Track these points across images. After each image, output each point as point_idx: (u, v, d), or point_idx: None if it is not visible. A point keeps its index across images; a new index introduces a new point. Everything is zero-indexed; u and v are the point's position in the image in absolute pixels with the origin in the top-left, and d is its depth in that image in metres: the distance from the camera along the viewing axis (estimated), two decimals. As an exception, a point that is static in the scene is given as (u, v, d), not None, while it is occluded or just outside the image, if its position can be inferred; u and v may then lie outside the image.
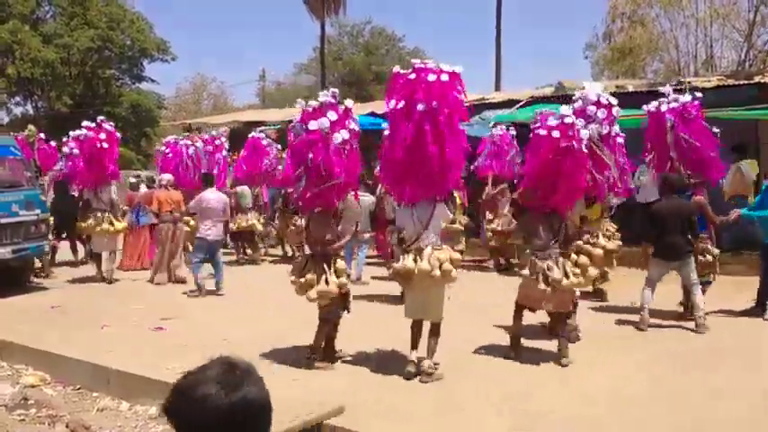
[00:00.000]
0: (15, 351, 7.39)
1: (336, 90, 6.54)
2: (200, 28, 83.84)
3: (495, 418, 5.00)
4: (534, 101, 13.61)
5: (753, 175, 10.05)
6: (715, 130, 8.15)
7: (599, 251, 7.43)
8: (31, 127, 15.26)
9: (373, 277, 10.75)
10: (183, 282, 10.90)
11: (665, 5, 25.49)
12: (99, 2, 35.49)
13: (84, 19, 34.57)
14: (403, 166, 5.99)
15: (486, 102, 14.93)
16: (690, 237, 7.49)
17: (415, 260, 5.93)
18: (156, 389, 5.94)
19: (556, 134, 6.24)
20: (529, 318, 6.82)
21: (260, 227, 13.08)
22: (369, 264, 11.14)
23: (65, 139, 12.96)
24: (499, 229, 11.19)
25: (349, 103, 6.48)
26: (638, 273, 9.31)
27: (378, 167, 12.76)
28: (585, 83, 14.23)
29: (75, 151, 11.14)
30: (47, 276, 11.70)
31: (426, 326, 6.19)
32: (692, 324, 7.52)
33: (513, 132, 11.93)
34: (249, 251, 13.57)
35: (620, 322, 7.91)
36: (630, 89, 13.61)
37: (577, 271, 6.48)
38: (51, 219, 12.23)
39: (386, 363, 6.46)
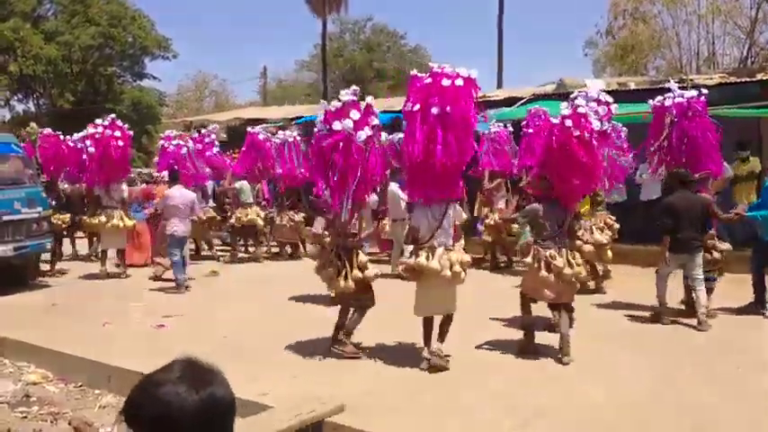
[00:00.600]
0: (17, 348, 7.40)
1: (357, 88, 6.66)
2: (202, 25, 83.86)
3: (497, 416, 5.00)
4: (536, 98, 13.61)
5: (730, 172, 9.96)
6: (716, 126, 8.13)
7: (589, 247, 7.44)
8: (32, 124, 15.27)
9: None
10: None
11: (666, 2, 25.45)
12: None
13: (85, 16, 34.61)
14: (418, 167, 6.11)
15: (488, 99, 14.91)
16: (701, 231, 7.54)
17: (427, 258, 6.06)
18: (157, 386, 5.96)
19: (569, 123, 6.34)
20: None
21: (261, 222, 13.03)
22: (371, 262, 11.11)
23: (67, 137, 13.02)
24: (492, 223, 11.20)
25: (370, 99, 6.63)
26: (641, 271, 9.32)
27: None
28: (587, 80, 14.32)
29: (91, 149, 11.25)
30: (53, 275, 11.63)
31: (438, 319, 6.33)
32: (694, 321, 7.52)
33: (511, 129, 11.91)
34: (252, 248, 13.57)
35: (625, 319, 7.91)
36: (632, 86, 13.61)
37: (581, 261, 6.59)
38: (68, 215, 12.26)
39: (388, 360, 6.47)
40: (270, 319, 8.20)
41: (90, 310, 8.90)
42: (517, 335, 6.88)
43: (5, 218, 9.87)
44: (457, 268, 6.05)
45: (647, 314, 7.93)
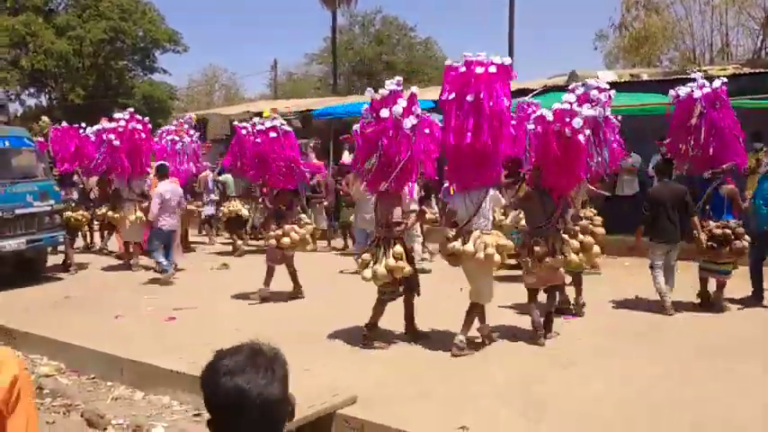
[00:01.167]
0: (30, 341, 7.45)
1: (401, 78, 6.74)
2: (212, 19, 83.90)
3: (506, 409, 4.98)
4: (547, 90, 13.51)
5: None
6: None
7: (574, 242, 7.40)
8: (44, 118, 15.32)
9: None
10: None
11: (680, -7, 25.23)
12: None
13: (96, 10, 34.69)
14: (456, 153, 6.29)
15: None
16: (683, 220, 7.70)
17: (463, 242, 6.23)
18: (169, 378, 5.98)
19: (550, 117, 6.57)
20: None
21: (245, 212, 13.13)
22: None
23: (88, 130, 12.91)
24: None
25: (414, 89, 6.77)
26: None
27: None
28: (599, 72, 14.22)
29: (116, 142, 11.37)
30: (70, 267, 11.53)
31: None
32: (708, 314, 7.48)
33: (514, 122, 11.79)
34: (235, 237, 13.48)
35: (633, 313, 7.85)
36: (645, 78, 13.50)
37: (568, 250, 6.79)
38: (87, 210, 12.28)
39: (400, 351, 6.47)
40: (281, 311, 8.21)
41: (103, 302, 8.94)
42: (525, 324, 6.87)
43: (18, 211, 9.92)
44: (490, 250, 6.16)
45: (654, 307, 7.87)
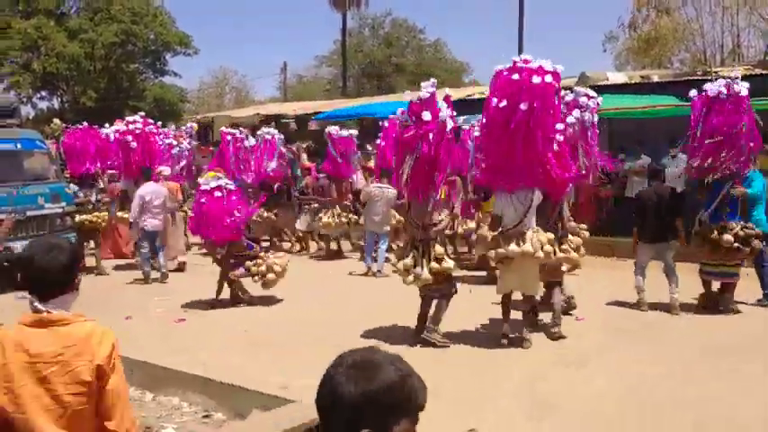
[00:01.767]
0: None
1: (435, 80, 6.77)
2: (223, 21, 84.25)
3: (516, 410, 4.98)
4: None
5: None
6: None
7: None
8: (56, 121, 15.43)
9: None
10: (182, 270, 11.32)
11: (690, -6, 25.10)
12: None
13: (108, 13, 34.88)
14: (504, 157, 6.38)
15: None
16: (671, 221, 7.82)
17: (518, 244, 6.32)
18: (179, 379, 6.00)
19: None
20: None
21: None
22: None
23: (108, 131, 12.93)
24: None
25: (448, 90, 6.89)
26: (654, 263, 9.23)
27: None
28: (609, 73, 14.19)
29: (134, 144, 11.58)
30: (99, 273, 11.42)
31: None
32: (709, 315, 7.54)
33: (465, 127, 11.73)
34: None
35: (639, 313, 7.84)
36: (656, 79, 13.46)
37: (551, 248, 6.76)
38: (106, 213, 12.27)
39: (408, 352, 6.46)
40: (290, 313, 8.23)
41: (112, 303, 8.98)
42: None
43: (29, 213, 9.99)
44: (548, 248, 6.39)
45: (660, 308, 7.90)
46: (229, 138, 12.68)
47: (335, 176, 12.23)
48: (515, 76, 6.20)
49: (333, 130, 12.42)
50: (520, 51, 27.93)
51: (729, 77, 7.73)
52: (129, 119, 12.02)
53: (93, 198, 12.06)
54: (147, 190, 10.54)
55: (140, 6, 35.67)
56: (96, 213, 12.00)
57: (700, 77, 10.94)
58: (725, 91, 7.52)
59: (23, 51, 34.06)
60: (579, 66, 48.75)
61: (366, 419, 1.43)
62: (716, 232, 7.63)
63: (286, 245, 13.30)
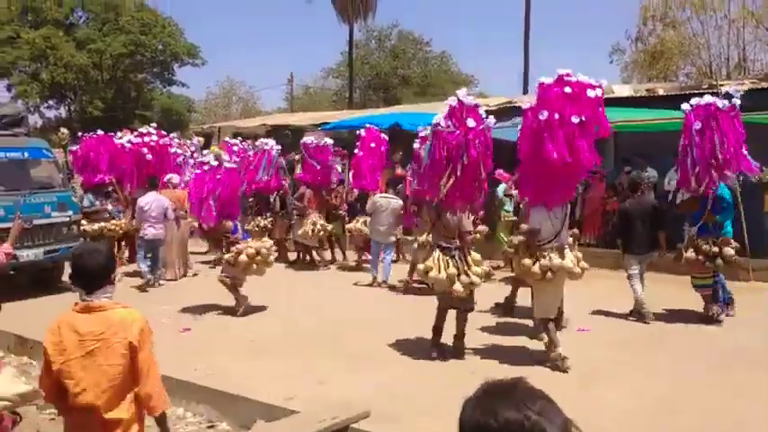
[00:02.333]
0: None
1: (465, 89, 6.84)
2: (230, 33, 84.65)
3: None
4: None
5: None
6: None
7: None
8: (63, 130, 15.46)
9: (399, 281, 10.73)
10: (195, 274, 11.54)
11: (696, 7, 25.11)
12: (131, 7, 36.04)
13: (116, 24, 35.14)
14: (548, 172, 6.27)
15: (514, 105, 14.82)
16: (653, 232, 8.11)
17: (561, 258, 6.31)
18: (183, 389, 5.99)
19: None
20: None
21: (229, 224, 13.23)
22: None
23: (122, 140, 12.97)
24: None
25: (476, 100, 6.86)
26: (660, 277, 9.19)
27: (399, 168, 12.83)
28: (614, 86, 14.17)
29: (149, 156, 11.84)
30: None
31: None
32: (713, 327, 7.60)
33: None
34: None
35: (647, 326, 7.81)
36: (661, 92, 13.45)
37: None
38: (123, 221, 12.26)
39: (415, 365, 6.45)
40: (296, 322, 8.21)
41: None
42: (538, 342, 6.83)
43: (36, 221, 10.01)
44: (583, 264, 6.44)
45: (662, 317, 7.95)
46: (235, 149, 12.81)
47: (313, 185, 12.33)
48: (568, 89, 6.18)
49: (308, 140, 12.56)
50: (526, 62, 28.01)
51: (721, 93, 7.76)
52: (143, 130, 12.14)
53: (108, 207, 12.13)
54: (147, 200, 10.73)
55: (149, 17, 35.92)
56: (114, 222, 12.08)
57: (705, 91, 10.90)
58: (716, 106, 7.57)
59: (32, 61, 34.34)
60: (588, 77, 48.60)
61: None
62: (712, 246, 7.65)
63: (292, 255, 13.31)
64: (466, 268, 6.53)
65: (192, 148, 14.12)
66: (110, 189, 12.54)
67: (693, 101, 7.73)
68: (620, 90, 13.77)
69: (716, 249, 7.64)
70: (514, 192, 9.15)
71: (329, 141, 12.66)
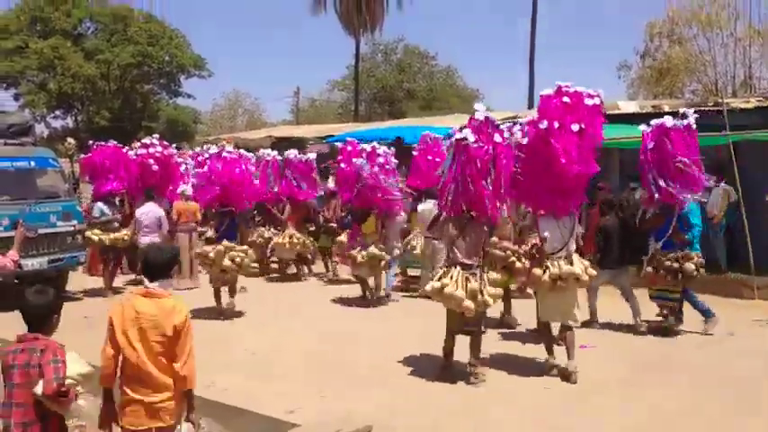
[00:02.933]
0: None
1: (483, 105, 6.84)
2: (237, 46, 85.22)
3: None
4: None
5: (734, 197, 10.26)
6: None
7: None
8: (70, 140, 15.52)
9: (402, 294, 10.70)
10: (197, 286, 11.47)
11: (703, 25, 25.17)
12: (140, 19, 36.34)
13: (124, 35, 35.40)
14: (556, 181, 6.33)
15: (519, 120, 14.80)
16: (627, 248, 8.30)
17: (570, 263, 6.38)
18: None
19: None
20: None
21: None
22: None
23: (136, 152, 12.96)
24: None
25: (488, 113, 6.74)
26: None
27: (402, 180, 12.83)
28: (620, 102, 14.16)
29: (155, 167, 11.93)
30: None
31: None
32: (716, 342, 7.58)
33: None
34: None
35: (644, 343, 7.76)
36: (667, 109, 13.43)
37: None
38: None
39: (416, 379, 6.41)
40: (296, 335, 8.19)
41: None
42: (542, 352, 6.80)
43: (41, 230, 10.03)
44: (591, 271, 6.51)
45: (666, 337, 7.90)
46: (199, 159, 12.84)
47: (293, 199, 12.33)
48: (566, 99, 6.27)
49: (291, 154, 12.61)
50: (531, 77, 28.13)
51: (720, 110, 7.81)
52: (146, 141, 12.17)
53: (118, 216, 12.05)
54: (142, 210, 10.98)
55: (157, 29, 36.18)
56: (126, 231, 11.92)
57: (711, 108, 10.90)
58: (676, 123, 7.69)
59: (40, 71, 34.61)
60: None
61: None
62: (673, 261, 7.75)
63: (291, 269, 13.27)
64: (482, 287, 6.28)
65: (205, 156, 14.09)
66: (118, 199, 12.47)
67: (653, 121, 7.88)
68: (626, 106, 13.74)
69: (676, 265, 7.72)
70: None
71: (312, 157, 12.76)
